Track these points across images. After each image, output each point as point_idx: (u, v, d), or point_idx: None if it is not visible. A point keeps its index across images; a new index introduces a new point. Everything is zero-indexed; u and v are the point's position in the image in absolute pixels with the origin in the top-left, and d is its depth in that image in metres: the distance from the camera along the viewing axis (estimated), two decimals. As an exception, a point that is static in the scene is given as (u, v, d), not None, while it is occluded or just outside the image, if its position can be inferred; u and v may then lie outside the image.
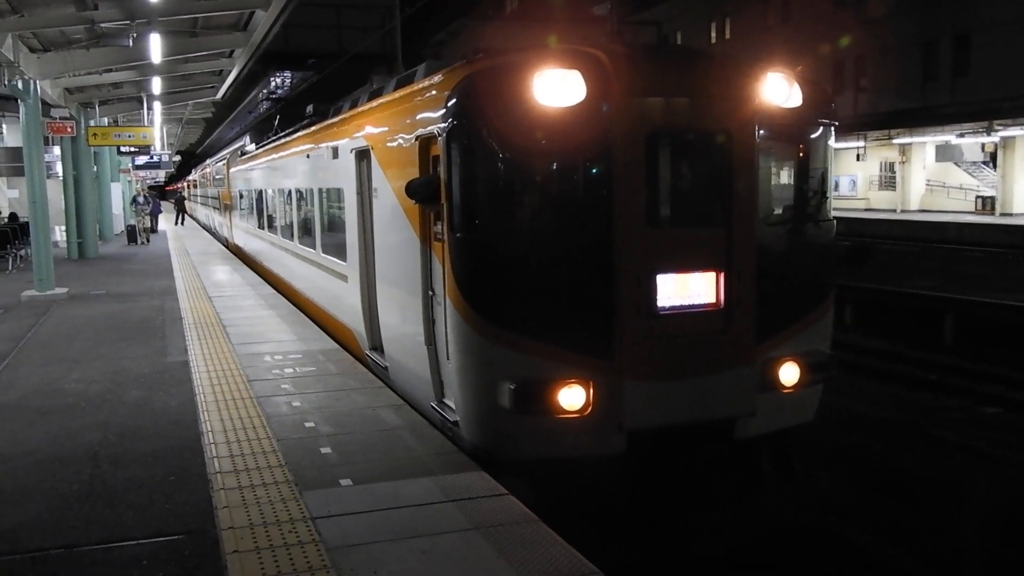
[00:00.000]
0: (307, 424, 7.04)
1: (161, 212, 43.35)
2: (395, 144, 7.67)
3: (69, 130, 21.88)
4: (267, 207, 17.24)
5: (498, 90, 6.00)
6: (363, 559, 4.56)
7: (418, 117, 7.01)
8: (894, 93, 38.82)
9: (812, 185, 6.96)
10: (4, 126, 29.23)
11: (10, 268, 21.21)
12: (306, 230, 12.73)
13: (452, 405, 6.55)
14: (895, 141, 41.24)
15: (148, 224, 32.39)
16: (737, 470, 6.69)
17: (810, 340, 6.74)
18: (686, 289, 6.23)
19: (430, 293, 6.84)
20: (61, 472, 6.17)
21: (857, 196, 46.15)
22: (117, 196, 35.62)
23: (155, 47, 16.89)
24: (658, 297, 6.10)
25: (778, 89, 6.43)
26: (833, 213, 7.16)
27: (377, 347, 8.84)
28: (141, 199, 34.01)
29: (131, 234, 30.22)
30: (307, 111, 13.96)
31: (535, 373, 5.89)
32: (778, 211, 6.94)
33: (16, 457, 6.54)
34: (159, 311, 13.72)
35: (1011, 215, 36.36)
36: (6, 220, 25.84)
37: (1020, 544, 7.64)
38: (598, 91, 5.93)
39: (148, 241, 30.11)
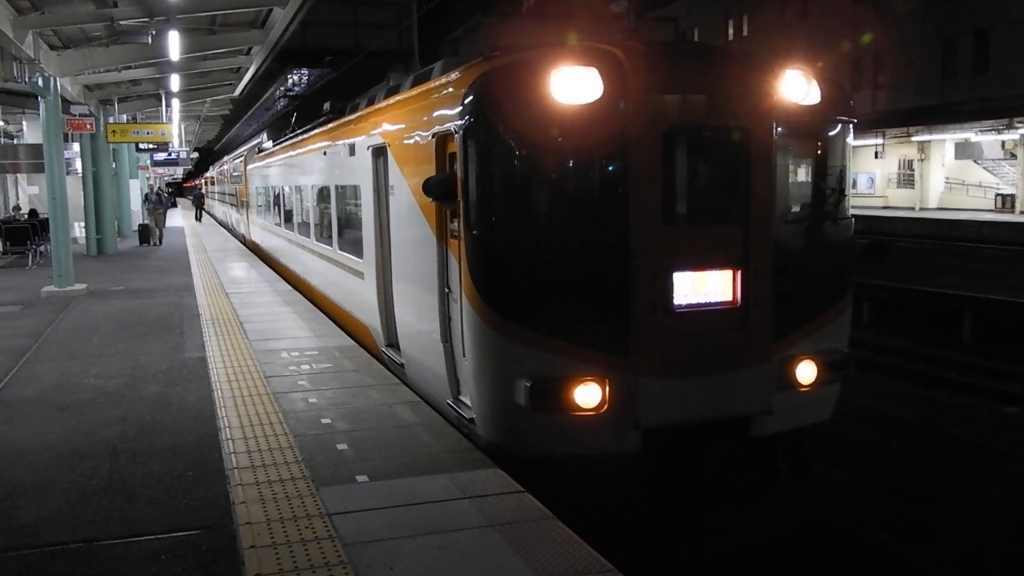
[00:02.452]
0: (323, 420, 7.07)
1: (174, 207, 43.11)
2: (412, 141, 7.68)
3: (88, 127, 22.11)
4: (284, 204, 17.30)
5: (515, 87, 6.00)
6: (379, 555, 4.57)
7: (435, 114, 7.01)
8: (913, 90, 38.54)
9: (830, 183, 6.92)
10: (24, 123, 29.51)
11: (30, 264, 21.39)
12: (322, 227, 12.76)
13: (468, 402, 6.55)
14: (914, 138, 40.94)
15: (160, 223, 29.65)
16: (752, 468, 6.66)
17: (827, 338, 6.71)
18: (703, 287, 6.21)
19: (446, 290, 6.84)
20: (80, 467, 6.23)
21: (875, 194, 45.86)
22: (136, 193, 35.63)
23: (173, 44, 17.00)
24: (675, 295, 6.09)
25: (796, 86, 6.39)
26: (851, 211, 7.12)
27: (393, 344, 8.86)
28: (154, 197, 30.95)
29: (143, 234, 28.87)
30: (324, 108, 13.99)
31: (551, 370, 5.89)
32: (796, 209, 6.91)
33: (36, 452, 6.61)
34: (177, 307, 13.81)
35: (1031, 213, 36.07)
36: (26, 216, 26.08)
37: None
38: (615, 88, 5.92)
39: (160, 242, 28.48)
